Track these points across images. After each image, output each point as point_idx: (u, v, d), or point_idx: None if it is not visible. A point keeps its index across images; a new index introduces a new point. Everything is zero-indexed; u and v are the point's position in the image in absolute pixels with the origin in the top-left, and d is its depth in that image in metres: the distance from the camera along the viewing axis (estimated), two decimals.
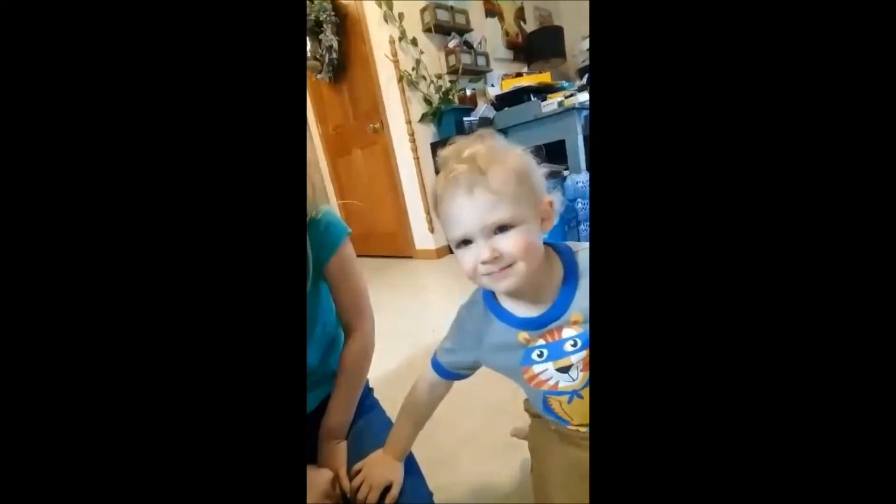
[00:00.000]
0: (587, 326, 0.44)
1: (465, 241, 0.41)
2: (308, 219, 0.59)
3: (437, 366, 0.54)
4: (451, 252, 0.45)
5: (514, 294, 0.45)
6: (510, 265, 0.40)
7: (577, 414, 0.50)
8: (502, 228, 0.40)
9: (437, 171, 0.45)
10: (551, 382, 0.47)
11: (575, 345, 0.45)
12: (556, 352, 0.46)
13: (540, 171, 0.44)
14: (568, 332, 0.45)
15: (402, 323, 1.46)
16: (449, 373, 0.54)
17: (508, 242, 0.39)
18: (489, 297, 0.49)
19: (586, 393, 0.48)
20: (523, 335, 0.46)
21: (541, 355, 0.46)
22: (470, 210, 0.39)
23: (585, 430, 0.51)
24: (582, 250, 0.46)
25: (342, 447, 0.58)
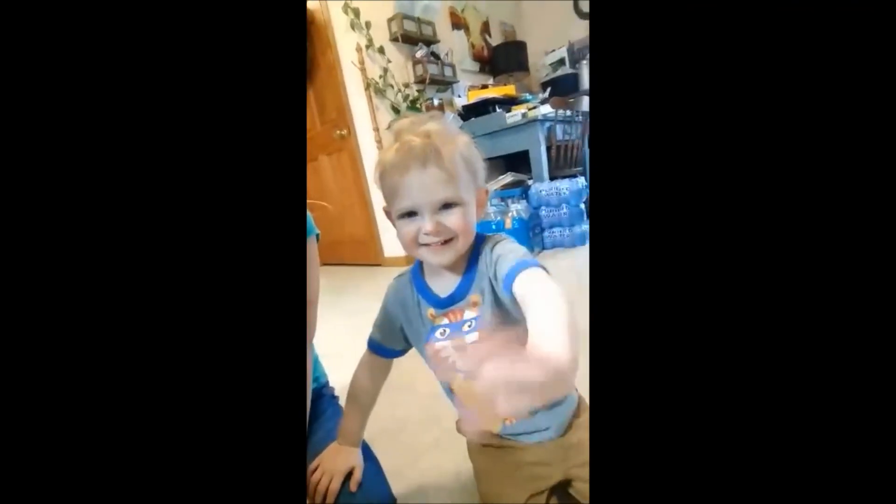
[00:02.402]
0: (483, 309, 0.47)
1: (410, 213, 0.43)
2: None
3: (371, 342, 0.56)
4: (387, 217, 0.48)
5: (442, 269, 0.48)
6: (450, 240, 0.43)
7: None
8: (446, 206, 0.42)
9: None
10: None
11: (470, 326, 0.48)
12: (456, 331, 0.49)
13: (482, 161, 0.47)
14: (468, 314, 0.48)
15: (367, 329, 1.43)
16: (383, 348, 0.55)
17: (451, 219, 0.43)
18: (417, 272, 0.51)
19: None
20: (431, 311, 0.49)
21: (443, 333, 0.49)
22: (421, 184, 0.41)
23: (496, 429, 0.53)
24: (490, 240, 0.48)
25: None
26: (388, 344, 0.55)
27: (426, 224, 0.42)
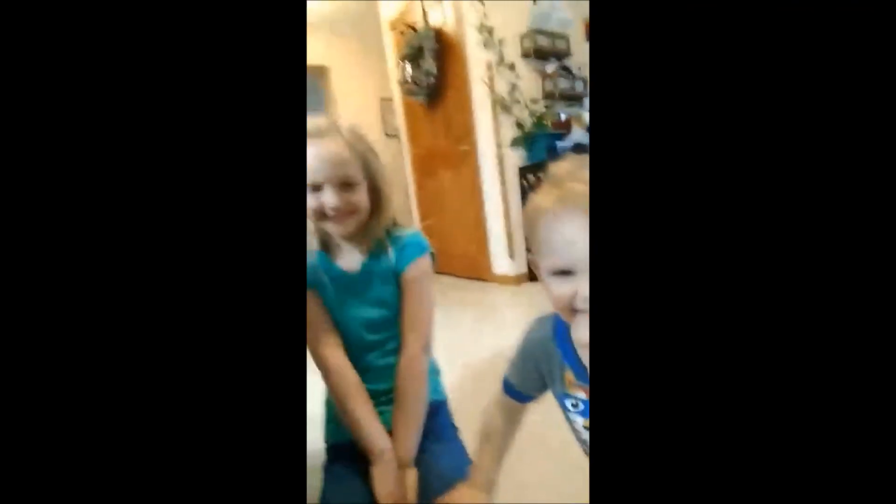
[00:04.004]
0: None
1: (566, 272, 0.37)
2: (389, 232, 0.64)
3: (505, 384, 0.53)
4: (531, 273, 0.43)
5: None
6: None
7: None
8: None
9: (523, 187, 0.45)
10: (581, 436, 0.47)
11: None
12: (588, 408, 0.44)
13: None
14: None
15: (469, 344, 1.40)
16: (518, 392, 0.51)
17: None
18: (563, 330, 0.46)
19: None
20: (570, 378, 0.45)
21: (575, 405, 0.45)
22: (588, 240, 0.36)
23: None
24: None
25: (411, 473, 0.56)
26: (522, 389, 0.51)
27: (584, 286, 0.35)
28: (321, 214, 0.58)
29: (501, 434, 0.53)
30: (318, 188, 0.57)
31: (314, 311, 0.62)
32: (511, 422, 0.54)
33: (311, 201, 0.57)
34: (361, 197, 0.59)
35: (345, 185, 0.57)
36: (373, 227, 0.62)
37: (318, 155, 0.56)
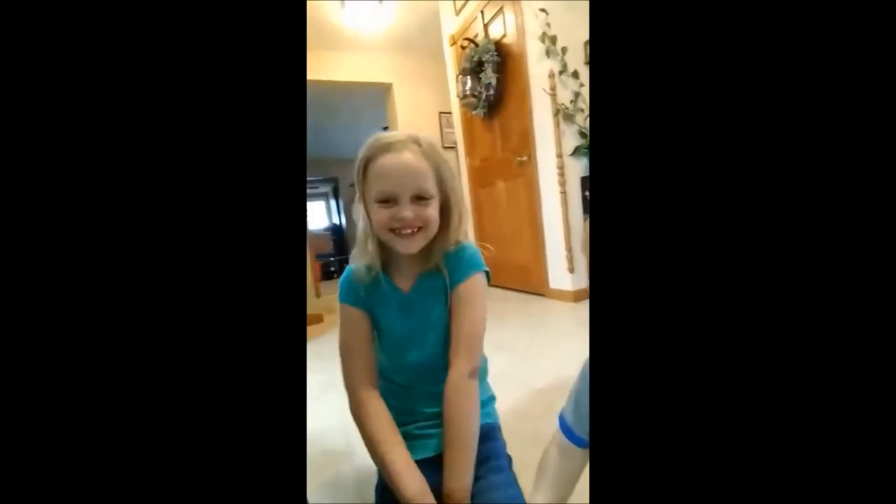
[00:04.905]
0: None
1: None
2: (447, 249, 0.61)
3: (561, 420, 0.48)
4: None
5: None
6: None
7: None
8: None
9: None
10: None
11: None
12: None
13: None
14: None
15: (522, 363, 1.33)
16: (572, 433, 0.46)
17: None
18: None
19: None
20: None
21: None
22: None
23: None
24: None
25: None
26: (576, 427, 0.46)
27: None
28: (390, 230, 0.55)
29: (557, 476, 0.47)
30: (389, 202, 0.54)
31: (359, 342, 0.61)
32: (567, 465, 0.48)
33: (383, 214, 0.54)
34: (433, 213, 0.56)
35: (418, 199, 0.55)
36: (436, 248, 0.59)
37: (396, 164, 0.54)
